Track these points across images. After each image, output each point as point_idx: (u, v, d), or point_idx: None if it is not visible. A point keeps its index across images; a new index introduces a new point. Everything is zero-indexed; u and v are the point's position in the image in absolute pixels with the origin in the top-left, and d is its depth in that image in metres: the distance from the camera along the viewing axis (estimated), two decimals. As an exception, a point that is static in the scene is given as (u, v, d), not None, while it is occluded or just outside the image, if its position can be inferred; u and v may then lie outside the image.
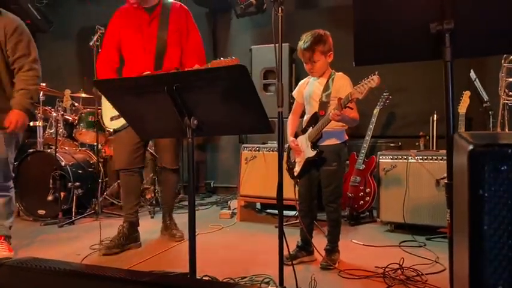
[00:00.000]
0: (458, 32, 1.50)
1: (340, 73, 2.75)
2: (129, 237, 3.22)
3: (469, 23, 1.53)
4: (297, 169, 2.80)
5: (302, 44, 2.69)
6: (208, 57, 5.47)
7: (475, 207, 0.73)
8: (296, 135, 2.82)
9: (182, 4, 3.38)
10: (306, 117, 2.81)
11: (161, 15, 3.24)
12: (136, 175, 3.31)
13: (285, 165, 2.92)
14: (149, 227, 3.79)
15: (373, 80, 2.29)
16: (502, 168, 0.71)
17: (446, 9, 1.51)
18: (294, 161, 2.84)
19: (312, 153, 2.66)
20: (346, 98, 2.41)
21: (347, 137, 2.79)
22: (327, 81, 2.71)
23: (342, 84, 2.68)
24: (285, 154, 2.94)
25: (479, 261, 0.72)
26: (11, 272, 1.26)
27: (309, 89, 2.81)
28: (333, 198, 2.75)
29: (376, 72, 2.29)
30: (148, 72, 3.15)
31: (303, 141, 2.75)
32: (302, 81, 2.93)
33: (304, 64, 2.74)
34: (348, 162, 3.95)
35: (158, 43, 3.20)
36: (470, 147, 0.74)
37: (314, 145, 2.67)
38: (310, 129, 2.70)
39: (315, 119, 2.69)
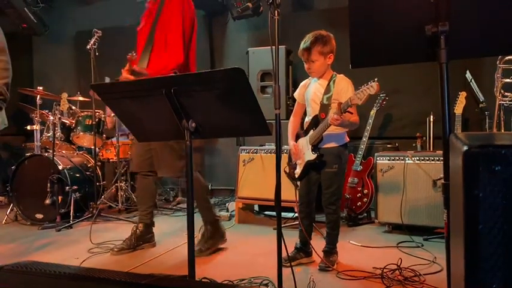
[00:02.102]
0: (453, 34, 1.51)
1: (342, 75, 2.74)
2: (142, 238, 3.24)
3: (464, 25, 1.54)
4: (298, 171, 2.80)
5: (302, 43, 2.70)
6: (205, 60, 5.53)
7: (470, 207, 0.74)
8: (297, 137, 2.83)
9: None
10: (307, 119, 2.82)
11: (156, 10, 3.04)
12: (149, 178, 3.22)
13: (286, 167, 2.93)
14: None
15: (372, 87, 2.30)
16: (496, 168, 0.72)
17: (441, 11, 1.52)
18: (295, 163, 2.85)
19: (312, 156, 2.67)
20: (346, 103, 2.41)
21: (348, 139, 2.80)
22: (328, 83, 2.71)
23: (343, 86, 2.68)
24: (286, 156, 2.95)
25: (475, 260, 0.73)
26: (10, 276, 1.26)
27: (310, 90, 2.81)
28: (333, 200, 2.76)
29: (376, 79, 2.30)
30: (145, 73, 3.04)
31: (304, 143, 2.76)
32: (303, 82, 2.93)
33: (304, 64, 2.75)
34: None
35: (147, 42, 3.03)
36: (465, 148, 0.75)
37: (315, 148, 2.68)
38: (311, 132, 2.70)
39: (315, 121, 2.69)
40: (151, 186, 3.30)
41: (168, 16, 2.94)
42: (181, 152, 3.02)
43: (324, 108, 2.67)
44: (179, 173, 3.18)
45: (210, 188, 5.69)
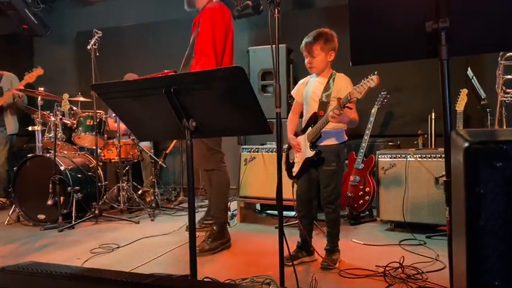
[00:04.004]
0: (454, 30, 1.51)
1: (341, 74, 2.74)
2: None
3: (465, 21, 1.54)
4: (296, 169, 2.80)
5: (305, 39, 2.72)
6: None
7: (471, 204, 0.74)
8: (296, 135, 2.82)
9: (213, 5, 3.23)
10: (305, 117, 2.81)
11: (197, 22, 3.26)
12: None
13: (283, 166, 2.92)
14: (149, 230, 3.79)
15: (373, 80, 2.29)
16: (497, 164, 0.71)
17: (442, 7, 1.52)
18: (293, 162, 2.84)
19: (311, 153, 2.67)
20: (346, 98, 2.41)
21: (346, 138, 2.80)
22: (328, 81, 2.71)
23: (342, 84, 2.68)
24: (284, 154, 2.95)
25: (477, 257, 0.73)
26: (11, 277, 1.26)
27: (309, 88, 2.81)
28: (332, 198, 2.75)
29: (376, 72, 2.29)
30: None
31: (302, 141, 2.75)
32: (301, 80, 2.92)
33: (305, 59, 2.75)
34: (347, 161, 3.96)
35: (189, 50, 3.25)
36: (466, 144, 0.75)
37: (313, 145, 2.67)
38: (310, 129, 2.70)
39: (314, 119, 2.69)
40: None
41: (201, 29, 3.12)
42: (212, 147, 3.20)
43: (323, 105, 2.66)
44: (213, 165, 3.23)
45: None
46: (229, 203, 4.58)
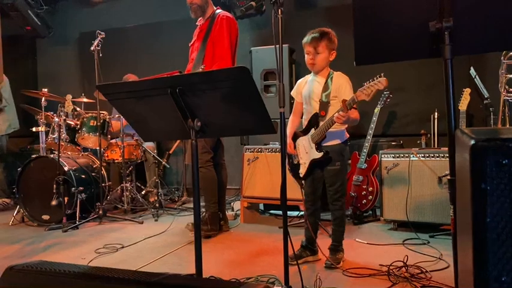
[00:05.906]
0: (458, 30, 1.52)
1: (339, 72, 2.75)
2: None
3: (468, 21, 1.54)
4: (302, 171, 2.80)
5: (309, 35, 2.72)
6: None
7: (477, 201, 0.75)
8: (296, 136, 2.83)
9: (226, 15, 3.56)
10: (306, 117, 2.82)
11: (207, 28, 3.57)
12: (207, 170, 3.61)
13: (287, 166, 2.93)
14: (153, 229, 3.81)
15: (380, 83, 2.28)
16: (504, 162, 0.73)
17: (445, 7, 1.53)
18: (298, 163, 2.85)
19: (318, 154, 2.68)
20: (352, 100, 2.41)
21: (348, 135, 2.81)
22: (326, 80, 2.72)
23: (340, 83, 2.69)
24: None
25: (483, 253, 0.74)
26: (20, 275, 1.27)
27: (308, 88, 2.82)
28: (337, 196, 2.76)
29: (382, 74, 2.28)
30: None
31: (305, 142, 2.76)
32: (300, 80, 2.93)
33: (306, 56, 2.74)
34: (349, 161, 3.96)
35: (199, 54, 3.53)
36: (472, 142, 0.76)
37: (319, 146, 2.68)
38: (312, 130, 2.71)
39: (315, 119, 2.70)
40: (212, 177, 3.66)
41: (218, 34, 3.48)
42: (205, 145, 3.53)
43: (324, 106, 2.67)
44: (200, 163, 3.45)
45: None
46: (232, 203, 4.62)
